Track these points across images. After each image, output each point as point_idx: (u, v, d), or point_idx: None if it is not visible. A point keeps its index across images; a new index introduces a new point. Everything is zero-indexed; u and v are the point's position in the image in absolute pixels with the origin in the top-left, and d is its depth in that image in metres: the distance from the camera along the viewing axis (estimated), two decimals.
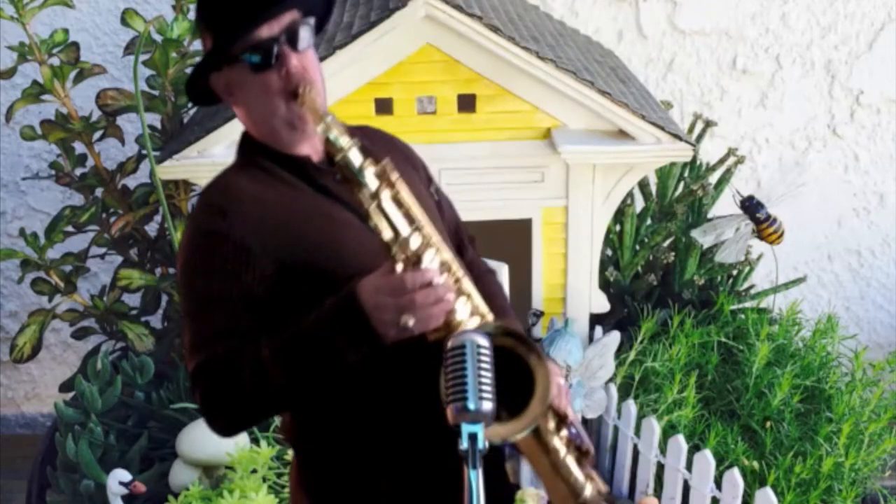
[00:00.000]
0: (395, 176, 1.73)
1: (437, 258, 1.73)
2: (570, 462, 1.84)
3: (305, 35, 1.82)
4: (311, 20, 1.84)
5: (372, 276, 1.69)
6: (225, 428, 1.83)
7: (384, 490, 1.88)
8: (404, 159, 1.99)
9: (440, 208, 2.03)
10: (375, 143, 1.94)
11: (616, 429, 3.22)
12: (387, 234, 1.69)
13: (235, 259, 1.78)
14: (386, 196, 1.71)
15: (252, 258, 1.78)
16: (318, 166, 1.87)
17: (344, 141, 1.71)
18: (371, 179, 1.71)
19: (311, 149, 1.87)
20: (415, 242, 1.70)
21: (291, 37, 1.79)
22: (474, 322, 1.76)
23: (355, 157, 1.71)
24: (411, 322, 1.65)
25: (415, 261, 1.69)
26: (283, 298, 1.80)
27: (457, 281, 1.77)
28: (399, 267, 1.68)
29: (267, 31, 1.78)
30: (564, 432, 1.83)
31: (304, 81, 1.78)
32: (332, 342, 1.70)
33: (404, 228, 1.70)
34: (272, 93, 1.80)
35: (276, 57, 1.78)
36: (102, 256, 3.55)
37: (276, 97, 1.80)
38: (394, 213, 1.71)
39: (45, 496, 3.13)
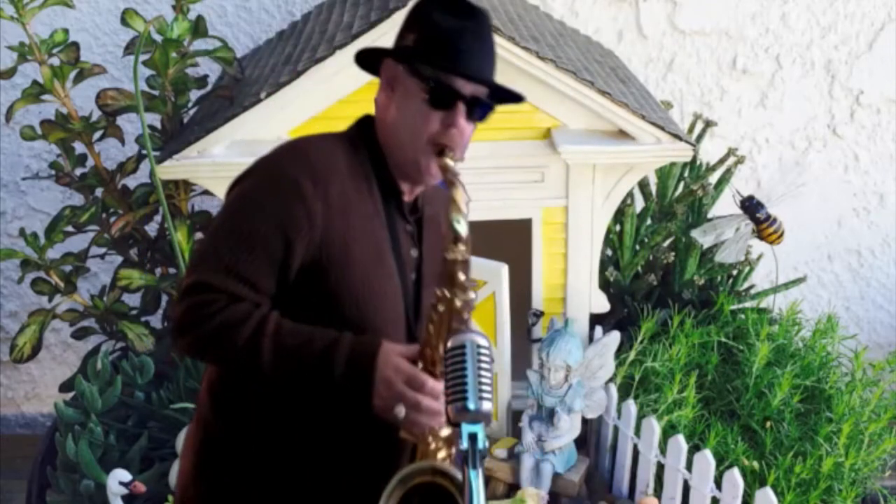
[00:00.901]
0: (475, 294, 1.78)
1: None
2: None
3: (482, 114, 1.85)
4: (490, 103, 1.87)
5: (396, 352, 1.72)
6: (186, 348, 1.80)
7: (286, 483, 1.88)
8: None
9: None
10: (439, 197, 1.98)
11: (616, 429, 3.22)
12: (433, 330, 1.73)
13: (299, 222, 1.76)
14: (458, 304, 1.75)
15: (306, 234, 1.76)
16: (403, 206, 1.90)
17: (463, 229, 1.74)
18: (463, 281, 1.75)
19: (406, 189, 1.90)
20: (461, 303, 1.73)
21: (473, 104, 1.83)
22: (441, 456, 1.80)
23: (461, 216, 1.75)
24: (402, 415, 1.69)
25: (437, 373, 1.71)
26: (297, 287, 1.79)
27: None
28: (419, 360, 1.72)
29: (465, 86, 1.81)
30: None
31: (456, 143, 1.83)
32: (330, 373, 1.72)
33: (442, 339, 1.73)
34: (426, 129, 1.83)
35: (453, 106, 1.82)
36: (102, 256, 3.55)
37: (429, 138, 1.83)
38: (446, 320, 1.74)
39: (45, 496, 3.12)
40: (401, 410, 1.68)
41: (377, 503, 1.70)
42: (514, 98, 1.91)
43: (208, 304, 1.74)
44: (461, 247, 1.73)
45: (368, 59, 1.92)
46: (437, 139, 1.82)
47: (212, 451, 1.93)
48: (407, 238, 1.89)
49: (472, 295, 1.75)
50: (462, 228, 1.72)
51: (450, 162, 1.80)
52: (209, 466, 1.93)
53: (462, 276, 1.73)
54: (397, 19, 2.89)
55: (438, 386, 1.69)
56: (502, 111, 3.06)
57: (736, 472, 2.80)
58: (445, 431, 1.78)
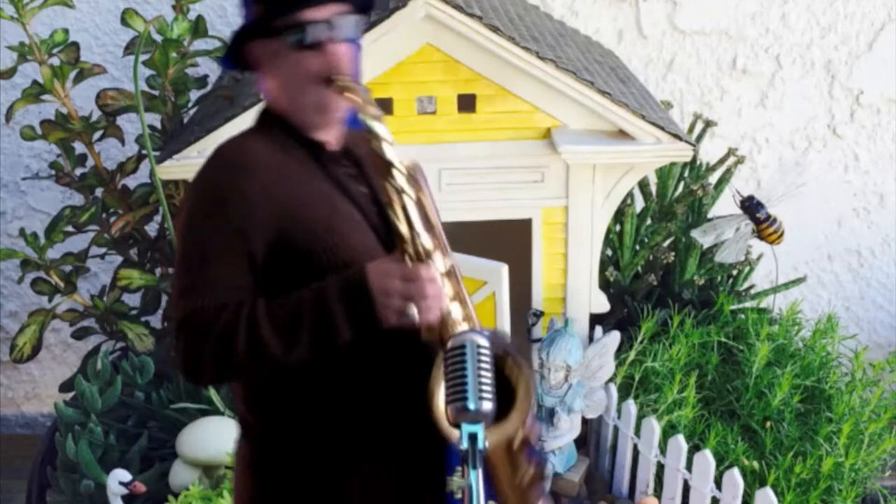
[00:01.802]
0: (421, 180, 1.79)
1: (445, 261, 1.78)
2: (528, 479, 1.86)
3: (348, 27, 1.83)
4: (355, 15, 1.86)
5: (381, 261, 1.72)
6: (201, 378, 1.80)
7: (354, 487, 1.87)
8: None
9: None
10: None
11: (616, 429, 3.22)
12: (403, 227, 1.74)
13: (245, 217, 1.77)
14: (411, 194, 1.75)
15: (259, 221, 1.78)
16: (333, 155, 1.90)
17: (383, 131, 1.75)
18: (399, 176, 1.75)
19: (329, 136, 1.89)
20: (427, 242, 1.74)
21: (340, 25, 1.82)
22: (464, 328, 1.80)
23: (389, 150, 1.75)
24: (414, 310, 1.68)
25: (424, 258, 1.73)
26: (275, 271, 1.79)
27: (457, 289, 1.81)
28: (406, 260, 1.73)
29: (314, 13, 1.80)
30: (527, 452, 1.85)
31: (341, 69, 1.81)
32: (332, 315, 1.70)
33: (420, 228, 1.75)
34: (308, 74, 1.81)
35: (320, 40, 1.80)
36: (102, 256, 3.55)
37: (312, 79, 1.81)
38: (413, 212, 1.75)
39: (45, 496, 3.12)
40: (411, 308, 1.68)
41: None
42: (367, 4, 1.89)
43: (201, 330, 1.74)
44: (380, 134, 1.73)
45: (238, 60, 1.91)
46: (320, 75, 1.80)
47: (268, 461, 1.93)
48: (351, 180, 1.89)
49: (419, 180, 1.78)
50: (372, 123, 1.73)
51: (346, 83, 1.79)
52: (268, 477, 1.93)
53: (396, 165, 1.74)
54: (397, 19, 2.91)
55: (429, 269, 1.70)
56: (502, 111, 3.10)
57: (736, 472, 2.80)
58: (456, 308, 1.80)
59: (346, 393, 1.83)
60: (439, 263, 1.76)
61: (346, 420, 1.84)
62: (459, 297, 1.83)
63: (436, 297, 1.70)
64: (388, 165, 1.74)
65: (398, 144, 1.79)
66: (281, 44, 1.81)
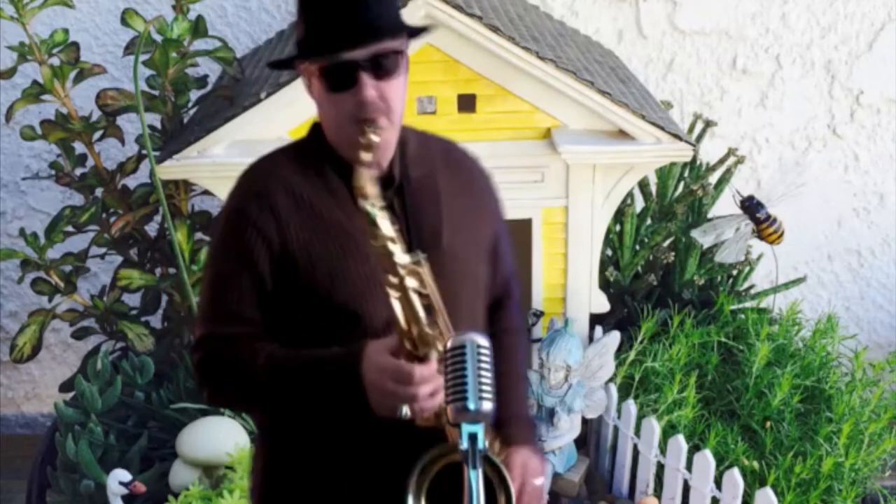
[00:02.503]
0: (424, 269, 1.68)
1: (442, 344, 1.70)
2: None
3: (392, 64, 1.77)
4: (404, 47, 1.79)
5: (378, 351, 1.68)
6: (210, 400, 1.89)
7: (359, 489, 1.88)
8: (469, 189, 1.94)
9: (494, 255, 1.97)
10: (447, 164, 1.92)
11: (616, 429, 3.22)
12: (401, 320, 1.67)
13: (255, 245, 1.79)
14: (410, 284, 1.67)
15: (269, 249, 1.79)
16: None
17: (382, 223, 1.65)
18: (401, 269, 1.66)
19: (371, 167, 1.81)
20: (426, 336, 1.68)
21: (376, 64, 1.75)
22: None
23: (393, 246, 1.65)
24: (406, 412, 1.66)
25: (422, 354, 1.67)
26: (282, 298, 1.81)
27: None
28: (402, 348, 1.67)
29: (350, 54, 1.73)
30: None
31: (375, 113, 1.75)
32: (323, 392, 1.73)
33: (423, 322, 1.67)
34: (342, 113, 1.77)
35: (353, 82, 1.74)
36: (102, 256, 3.55)
37: (346, 118, 1.76)
38: (416, 306, 1.67)
39: (45, 496, 3.12)
40: (403, 409, 1.66)
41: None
42: (416, 32, 1.83)
43: (209, 358, 1.83)
44: (381, 231, 1.64)
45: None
46: (357, 116, 1.75)
47: (279, 461, 1.95)
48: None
49: (421, 271, 1.68)
50: (373, 211, 1.64)
51: (372, 138, 1.72)
52: (278, 478, 1.95)
53: (398, 258, 1.65)
54: None
55: (426, 369, 1.65)
56: (502, 111, 3.10)
57: (736, 472, 2.80)
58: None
59: (340, 437, 1.85)
60: (433, 358, 1.68)
61: (347, 434, 1.85)
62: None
63: (428, 399, 1.66)
64: (390, 258, 1.65)
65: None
66: (318, 72, 1.77)
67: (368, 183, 1.67)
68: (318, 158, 1.85)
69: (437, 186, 1.88)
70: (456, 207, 1.89)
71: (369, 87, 1.74)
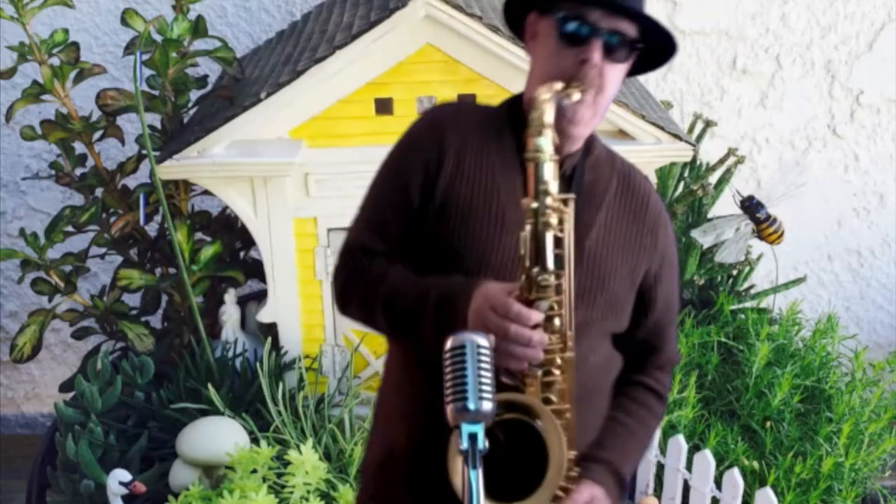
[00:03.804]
0: (568, 216, 1.68)
1: (557, 314, 1.69)
2: None
3: (625, 51, 1.77)
4: (638, 42, 1.79)
5: (493, 286, 1.68)
6: (340, 307, 1.93)
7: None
8: (636, 217, 1.90)
9: (645, 295, 1.91)
10: (625, 183, 1.91)
11: None
12: (526, 255, 1.66)
13: (414, 168, 1.83)
14: (548, 222, 1.66)
15: (426, 176, 1.82)
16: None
17: (547, 150, 1.66)
18: (543, 197, 1.66)
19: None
20: (546, 282, 1.66)
21: (611, 43, 1.74)
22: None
23: (548, 170, 1.67)
24: (494, 344, 1.62)
25: (533, 299, 1.66)
26: (423, 227, 1.82)
27: (562, 349, 1.71)
28: (519, 294, 1.66)
29: (598, 16, 1.73)
30: None
31: (590, 81, 1.73)
32: (424, 316, 1.73)
33: (547, 264, 1.66)
34: (558, 67, 1.74)
35: (586, 40, 1.73)
36: (102, 256, 3.55)
37: (559, 73, 1.73)
38: (547, 245, 1.67)
39: (45, 496, 3.12)
40: (492, 340, 1.62)
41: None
42: (667, 39, 1.82)
43: (342, 269, 1.89)
44: (543, 191, 1.66)
45: (516, 22, 1.87)
46: (572, 74, 1.72)
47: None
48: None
49: (566, 211, 1.68)
50: (544, 168, 1.65)
51: (571, 91, 1.70)
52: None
53: (550, 186, 1.66)
54: (397, 19, 2.91)
55: (528, 313, 1.63)
56: None
57: (736, 472, 2.80)
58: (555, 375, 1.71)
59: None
60: (547, 311, 1.66)
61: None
62: (560, 358, 1.71)
63: (519, 342, 1.64)
64: (536, 180, 1.66)
65: None
66: (551, 23, 1.75)
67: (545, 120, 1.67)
68: (503, 123, 1.85)
69: (604, 196, 1.87)
70: (615, 226, 1.86)
71: (597, 53, 1.73)
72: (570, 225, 1.70)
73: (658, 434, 3.03)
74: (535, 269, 1.67)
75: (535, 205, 1.67)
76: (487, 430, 1.57)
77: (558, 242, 1.69)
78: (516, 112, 1.85)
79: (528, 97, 1.78)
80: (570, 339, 1.72)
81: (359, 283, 1.86)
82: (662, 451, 3.03)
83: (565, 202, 1.69)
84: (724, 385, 3.29)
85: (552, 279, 1.67)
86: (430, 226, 1.82)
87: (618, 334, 1.90)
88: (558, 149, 1.72)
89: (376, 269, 1.84)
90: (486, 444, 1.53)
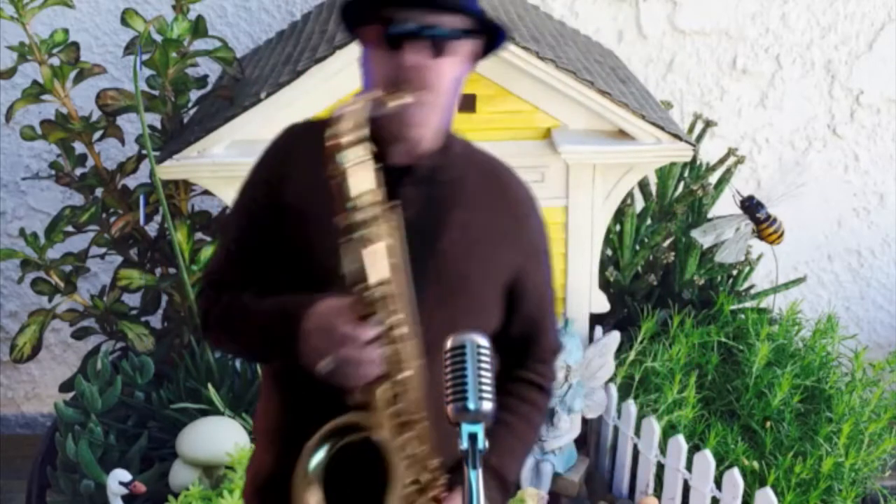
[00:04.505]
0: (397, 223, 1.66)
1: (397, 323, 1.66)
2: None
3: (448, 43, 1.73)
4: (460, 32, 1.75)
5: (331, 303, 1.67)
6: (204, 336, 1.97)
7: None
8: (500, 210, 1.88)
9: (514, 289, 1.87)
10: (486, 177, 1.90)
11: (616, 429, 3.22)
12: (348, 273, 1.64)
13: (259, 194, 1.87)
14: (365, 236, 1.64)
15: (273, 205, 1.83)
16: (394, 169, 1.76)
17: (347, 162, 1.64)
18: (353, 213, 1.64)
19: (397, 151, 1.79)
20: (371, 297, 1.63)
21: (433, 35, 1.71)
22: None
23: (362, 182, 1.65)
24: (329, 367, 1.63)
25: (369, 313, 1.64)
26: (275, 249, 1.83)
27: (412, 356, 1.69)
28: (356, 307, 1.64)
29: (418, 16, 1.71)
30: None
31: (415, 81, 1.71)
32: (268, 339, 1.76)
33: (368, 280, 1.64)
34: (381, 74, 1.74)
35: (409, 41, 1.71)
36: (102, 256, 3.55)
37: (384, 81, 1.72)
38: (365, 259, 1.64)
39: (45, 496, 3.12)
40: (327, 364, 1.62)
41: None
42: (494, 29, 1.79)
43: (202, 298, 1.93)
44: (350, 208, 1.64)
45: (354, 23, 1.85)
46: (396, 79, 1.71)
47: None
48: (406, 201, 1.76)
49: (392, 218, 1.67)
50: (349, 181, 1.64)
51: (399, 95, 1.69)
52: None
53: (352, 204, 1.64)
54: None
55: (357, 333, 1.62)
56: (502, 111, 3.10)
57: (736, 472, 2.80)
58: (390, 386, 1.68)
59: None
60: (384, 322, 1.64)
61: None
62: (398, 370, 1.68)
63: (354, 361, 1.62)
64: (344, 198, 1.64)
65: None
66: (376, 33, 1.74)
67: (351, 124, 1.65)
68: None
69: (462, 194, 1.84)
70: (473, 220, 1.84)
71: (415, 53, 1.71)
72: (400, 231, 1.67)
73: (658, 434, 3.03)
74: (359, 286, 1.64)
75: (345, 222, 1.64)
76: (333, 455, 1.64)
77: (392, 251, 1.66)
78: None
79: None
80: (417, 345, 1.68)
81: (216, 311, 1.87)
82: (662, 451, 3.03)
83: (392, 209, 1.66)
84: (724, 385, 3.30)
85: (379, 291, 1.64)
86: (280, 245, 1.82)
87: (493, 334, 1.83)
88: (380, 156, 1.71)
89: (232, 296, 1.84)
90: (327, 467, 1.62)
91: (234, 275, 1.88)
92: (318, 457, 1.68)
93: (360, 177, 1.65)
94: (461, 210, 1.83)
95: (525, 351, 1.94)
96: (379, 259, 1.65)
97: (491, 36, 1.82)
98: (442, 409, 1.57)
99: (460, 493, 1.64)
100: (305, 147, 1.84)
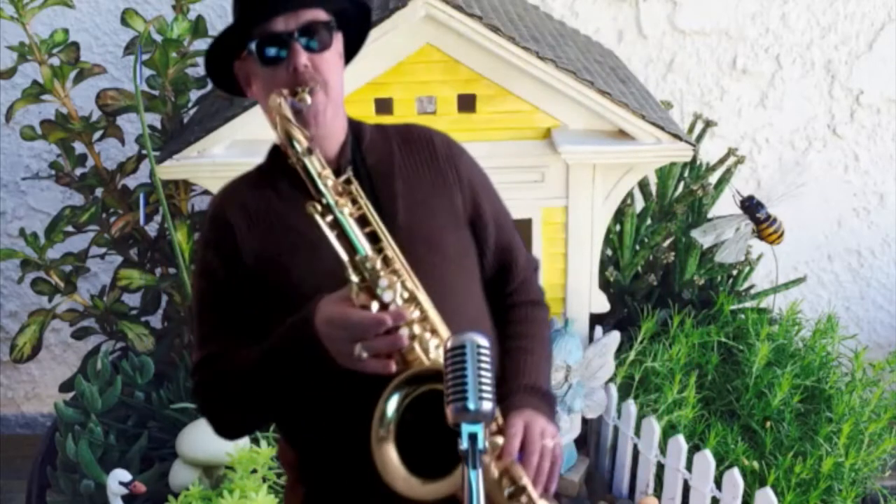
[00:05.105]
0: (359, 193, 1.71)
1: (398, 286, 1.69)
2: None
3: (325, 37, 1.80)
4: (333, 22, 1.82)
5: (327, 302, 1.69)
6: (218, 429, 1.90)
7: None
8: (429, 164, 1.93)
9: (476, 224, 1.95)
10: (405, 144, 1.93)
11: (616, 429, 3.22)
12: (342, 254, 1.67)
13: (217, 265, 1.86)
14: (345, 212, 1.69)
15: (232, 265, 1.84)
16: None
17: (302, 145, 1.70)
18: (328, 191, 1.69)
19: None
20: (372, 263, 1.67)
21: (308, 35, 1.78)
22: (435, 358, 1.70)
23: (315, 164, 1.70)
24: (365, 354, 1.64)
25: (370, 286, 1.66)
26: (256, 306, 1.84)
27: (422, 317, 1.73)
28: (354, 293, 1.66)
29: (282, 24, 1.77)
30: None
31: (310, 81, 1.77)
32: (290, 362, 1.73)
33: (364, 248, 1.68)
34: (276, 86, 1.78)
35: (286, 52, 1.77)
36: (102, 256, 3.55)
37: (282, 93, 1.77)
38: (354, 230, 1.69)
39: (45, 496, 3.12)
40: (358, 351, 1.63)
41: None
42: (357, 6, 1.86)
43: (198, 390, 1.89)
44: (320, 187, 1.69)
45: (226, 77, 1.91)
46: (291, 85, 1.77)
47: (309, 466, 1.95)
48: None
49: (353, 190, 1.72)
50: (308, 165, 1.69)
51: (305, 97, 1.75)
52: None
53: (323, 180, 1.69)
54: (397, 19, 2.91)
55: (365, 314, 1.64)
56: (502, 111, 3.10)
57: (736, 472, 2.80)
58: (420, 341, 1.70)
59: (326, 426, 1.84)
60: (391, 288, 1.67)
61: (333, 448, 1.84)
62: (425, 325, 1.72)
63: (381, 337, 1.64)
64: (311, 181, 1.69)
65: None
66: (255, 60, 1.80)
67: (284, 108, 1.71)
68: (273, 172, 1.89)
69: (392, 167, 1.89)
70: (414, 184, 1.89)
71: (301, 55, 1.77)
72: (363, 199, 1.73)
73: (658, 434, 3.03)
74: (357, 258, 1.67)
75: (321, 203, 1.68)
76: (404, 410, 1.61)
77: (363, 221, 1.71)
78: (278, 154, 1.89)
79: (275, 128, 1.78)
80: (420, 292, 1.73)
81: (218, 387, 1.85)
82: (662, 451, 3.03)
83: (347, 182, 1.72)
84: (724, 385, 3.29)
85: (376, 257, 1.68)
86: (259, 299, 1.83)
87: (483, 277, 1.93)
88: (325, 154, 1.78)
89: (226, 364, 1.83)
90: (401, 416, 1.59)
91: (221, 345, 1.86)
92: (391, 407, 1.67)
93: (313, 159, 1.72)
94: (399, 181, 1.88)
95: (508, 276, 2.00)
96: (361, 228, 1.69)
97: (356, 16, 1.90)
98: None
99: (515, 413, 1.72)
100: (243, 204, 1.88)
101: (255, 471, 2.89)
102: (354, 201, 1.72)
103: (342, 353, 1.66)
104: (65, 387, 3.44)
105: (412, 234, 1.83)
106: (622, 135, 3.10)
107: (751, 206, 3.47)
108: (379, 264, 1.68)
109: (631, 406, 3.13)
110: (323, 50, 1.80)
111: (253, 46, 1.78)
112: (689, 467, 2.94)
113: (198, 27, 3.27)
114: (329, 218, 1.69)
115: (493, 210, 1.99)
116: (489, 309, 1.96)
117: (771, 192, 3.59)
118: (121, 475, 2.86)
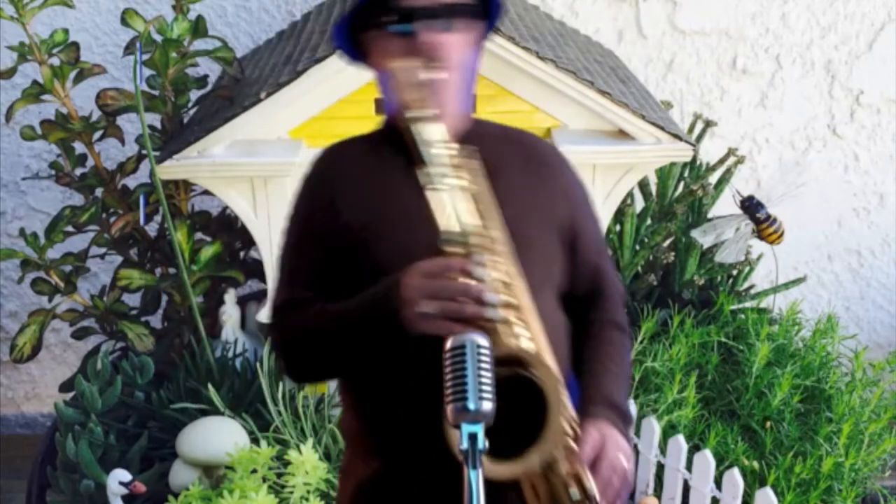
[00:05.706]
0: (475, 170, 1.71)
1: (496, 266, 1.67)
2: None
3: (463, 20, 1.82)
4: (474, 8, 1.83)
5: (420, 262, 1.68)
6: (291, 375, 1.92)
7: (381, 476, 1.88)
8: (535, 169, 1.92)
9: (574, 241, 1.93)
10: (519, 145, 1.94)
11: None
12: (443, 220, 1.67)
13: (314, 216, 1.88)
14: (453, 183, 1.69)
15: (327, 220, 1.85)
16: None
17: (425, 112, 1.71)
18: (440, 159, 1.69)
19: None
20: (476, 239, 1.66)
21: (446, 15, 1.79)
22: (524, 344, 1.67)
23: (434, 132, 1.72)
24: (430, 308, 1.62)
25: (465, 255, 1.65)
26: (345, 265, 1.84)
27: (516, 305, 1.69)
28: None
29: (417, 3, 1.78)
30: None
31: (442, 59, 1.78)
32: (371, 322, 1.72)
33: (469, 221, 1.68)
34: (409, 58, 1.79)
35: (411, 29, 1.78)
36: (102, 256, 3.55)
37: (413, 63, 1.78)
38: (461, 204, 1.68)
39: (45, 496, 3.12)
40: (428, 305, 1.61)
41: None
42: (493, 8, 1.86)
43: (277, 330, 1.90)
44: (433, 155, 1.69)
45: (355, 54, 1.92)
46: (422, 61, 1.78)
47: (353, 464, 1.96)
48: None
49: (472, 165, 1.72)
50: (424, 132, 1.70)
51: (430, 73, 1.76)
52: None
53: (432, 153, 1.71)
54: None
55: (456, 261, 1.62)
56: (502, 111, 3.10)
57: (736, 472, 2.80)
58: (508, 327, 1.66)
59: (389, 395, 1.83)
60: (486, 265, 1.63)
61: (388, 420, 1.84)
62: (515, 313, 1.69)
63: (456, 292, 1.61)
64: (420, 146, 1.70)
65: None
66: (385, 36, 1.81)
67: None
68: (382, 141, 1.91)
69: (501, 163, 1.88)
70: (519, 184, 1.89)
71: (427, 33, 1.79)
72: (481, 178, 1.73)
73: (658, 434, 3.03)
74: (459, 231, 1.67)
75: (427, 171, 1.69)
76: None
77: (475, 199, 1.71)
78: (389, 127, 1.90)
79: (399, 105, 1.79)
80: (518, 281, 1.71)
81: (296, 334, 1.86)
82: (662, 451, 3.03)
83: (467, 156, 1.72)
84: (724, 385, 3.29)
85: (481, 233, 1.68)
86: (350, 260, 1.83)
87: (565, 297, 1.92)
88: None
89: (308, 312, 1.83)
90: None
91: (304, 293, 1.86)
92: None
93: (434, 127, 1.73)
94: (506, 178, 1.87)
95: (596, 298, 1.99)
96: (465, 205, 1.69)
97: (488, 17, 1.89)
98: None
99: (592, 425, 1.71)
100: (349, 162, 1.91)
101: (255, 471, 2.89)
102: (471, 176, 1.72)
103: (413, 307, 1.63)
104: (65, 387, 3.44)
105: (511, 231, 1.82)
106: (622, 135, 3.10)
107: (751, 206, 3.47)
108: (480, 240, 1.68)
109: (631, 406, 3.13)
110: (459, 31, 1.82)
111: (390, 25, 1.80)
112: (689, 467, 2.94)
113: (198, 27, 3.26)
114: (432, 188, 1.69)
115: (593, 230, 1.99)
116: (571, 326, 1.94)
117: (771, 192, 3.59)
118: (121, 475, 2.86)
